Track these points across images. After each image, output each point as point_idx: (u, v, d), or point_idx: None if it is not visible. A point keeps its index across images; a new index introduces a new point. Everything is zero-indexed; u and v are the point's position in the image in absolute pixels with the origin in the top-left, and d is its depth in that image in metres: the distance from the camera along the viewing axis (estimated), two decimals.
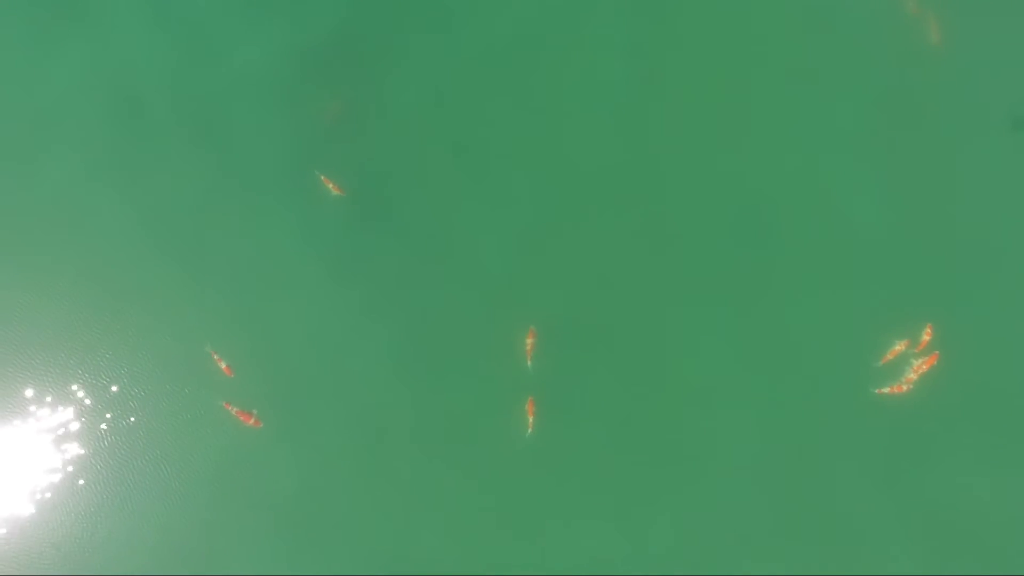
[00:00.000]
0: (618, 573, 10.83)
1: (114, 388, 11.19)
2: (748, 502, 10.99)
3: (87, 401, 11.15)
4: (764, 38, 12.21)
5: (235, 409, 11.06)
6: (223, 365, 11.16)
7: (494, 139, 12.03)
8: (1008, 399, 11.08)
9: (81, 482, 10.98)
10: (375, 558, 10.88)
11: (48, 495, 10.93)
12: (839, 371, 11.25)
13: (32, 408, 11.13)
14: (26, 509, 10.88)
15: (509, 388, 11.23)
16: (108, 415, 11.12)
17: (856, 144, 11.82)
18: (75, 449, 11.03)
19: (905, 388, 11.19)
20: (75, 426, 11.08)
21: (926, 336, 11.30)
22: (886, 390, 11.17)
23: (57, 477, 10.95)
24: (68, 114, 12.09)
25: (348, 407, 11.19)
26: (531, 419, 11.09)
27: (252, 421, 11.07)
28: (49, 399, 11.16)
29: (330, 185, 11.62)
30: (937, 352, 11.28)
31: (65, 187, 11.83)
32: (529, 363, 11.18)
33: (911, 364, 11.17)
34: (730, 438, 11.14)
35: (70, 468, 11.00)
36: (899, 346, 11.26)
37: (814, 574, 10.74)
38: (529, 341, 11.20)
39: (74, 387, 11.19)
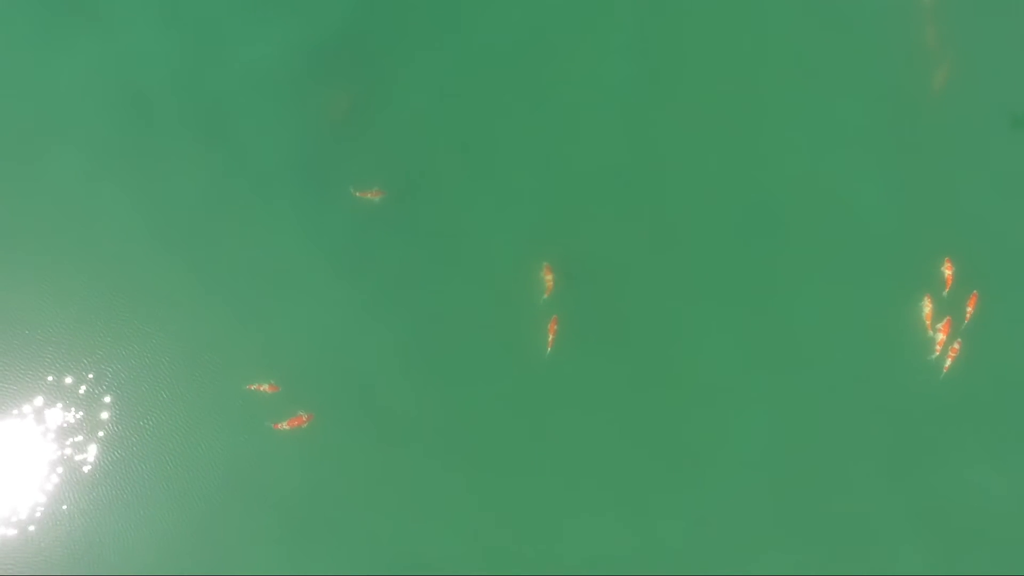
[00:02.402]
0: (626, 570, 10.77)
1: (121, 387, 11.01)
2: (758, 499, 10.97)
3: (94, 401, 10.97)
4: (771, 37, 12.43)
5: (286, 423, 10.95)
6: (266, 387, 11.06)
7: (502, 137, 12.08)
8: (1019, 394, 11.25)
9: (87, 484, 10.77)
10: (381, 557, 10.79)
11: (54, 495, 10.71)
12: (849, 367, 11.31)
13: (40, 409, 10.92)
14: (32, 509, 10.67)
15: (517, 387, 11.27)
16: (114, 414, 10.95)
17: (861, 142, 12.03)
18: (82, 450, 10.85)
19: (959, 347, 11.14)
20: (82, 427, 10.90)
21: (947, 272, 11.36)
22: (948, 362, 11.16)
23: (63, 478, 10.75)
24: (75, 112, 11.91)
25: (354, 407, 11.13)
26: (551, 338, 11.19)
27: (305, 420, 10.98)
28: (58, 400, 10.95)
29: (368, 195, 11.66)
30: (976, 291, 11.32)
31: (72, 186, 11.68)
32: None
33: (944, 320, 11.24)
34: (739, 434, 11.15)
35: (75, 470, 10.79)
36: (928, 306, 11.31)
37: (825, 573, 10.72)
38: (548, 277, 11.38)
39: (82, 387, 10.99)
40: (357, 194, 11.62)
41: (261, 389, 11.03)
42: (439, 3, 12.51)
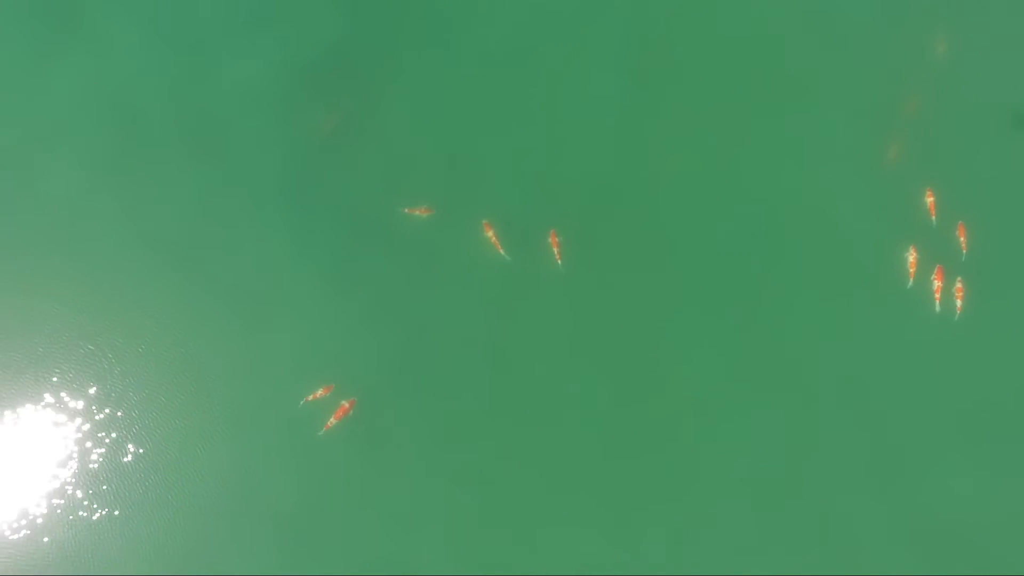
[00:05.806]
0: None
1: (115, 395, 11.26)
2: (743, 511, 11.02)
3: (88, 406, 11.21)
4: (760, 50, 12.75)
5: (332, 418, 11.24)
6: (320, 391, 11.36)
7: (490, 152, 12.38)
8: (998, 403, 11.36)
9: (84, 488, 10.94)
10: (367, 566, 10.89)
11: (51, 501, 10.89)
12: (833, 380, 11.44)
13: (36, 414, 11.17)
14: (30, 512, 10.86)
15: (503, 400, 11.44)
16: (109, 422, 11.17)
17: (852, 151, 12.21)
18: (78, 455, 11.03)
19: (962, 287, 11.25)
20: (77, 432, 11.13)
21: (929, 199, 11.48)
22: (957, 302, 11.26)
23: (59, 484, 10.94)
24: (67, 128, 12.23)
25: (345, 417, 11.35)
26: (557, 251, 11.71)
27: (348, 407, 11.27)
28: (54, 407, 11.20)
29: (417, 211, 12.10)
30: (962, 222, 11.46)
31: (65, 201, 12.05)
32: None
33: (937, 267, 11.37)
34: (724, 446, 11.21)
35: (72, 475, 10.96)
36: (912, 255, 11.41)
37: None
38: (489, 234, 11.80)
39: (77, 393, 11.24)
40: (406, 211, 11.98)
41: (317, 397, 11.33)
42: (427, 20, 12.91)
